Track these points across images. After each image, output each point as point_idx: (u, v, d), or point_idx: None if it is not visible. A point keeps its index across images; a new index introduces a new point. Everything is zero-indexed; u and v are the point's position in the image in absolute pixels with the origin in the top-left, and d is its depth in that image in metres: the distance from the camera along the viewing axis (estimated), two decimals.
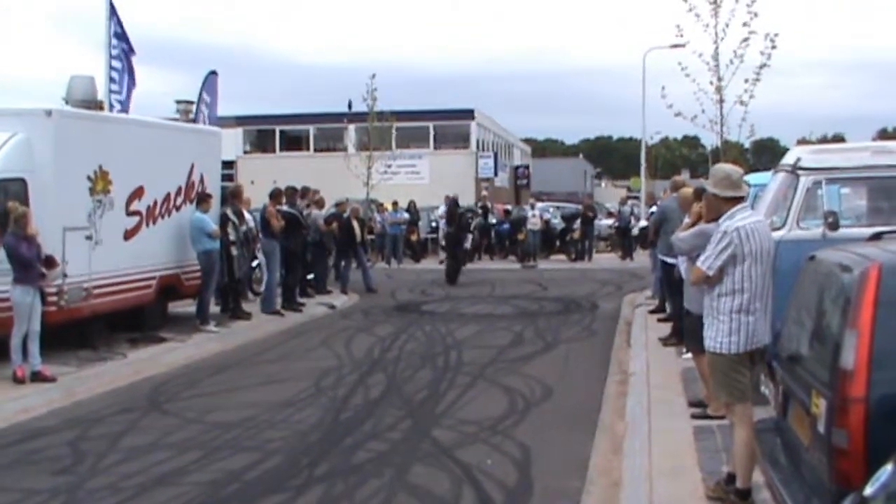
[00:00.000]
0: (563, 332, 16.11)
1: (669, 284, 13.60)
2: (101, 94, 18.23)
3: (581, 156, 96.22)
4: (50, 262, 11.86)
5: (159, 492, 7.44)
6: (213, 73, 23.11)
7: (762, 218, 7.54)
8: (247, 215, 17.31)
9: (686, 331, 10.13)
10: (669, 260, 12.90)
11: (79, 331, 13.53)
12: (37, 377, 11.39)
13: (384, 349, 14.44)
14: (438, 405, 10.58)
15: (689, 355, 11.98)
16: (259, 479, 7.82)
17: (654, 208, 18.95)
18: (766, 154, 71.34)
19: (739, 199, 6.82)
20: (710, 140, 20.92)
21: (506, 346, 14.57)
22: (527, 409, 10.39)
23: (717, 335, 6.61)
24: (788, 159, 10.81)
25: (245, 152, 51.29)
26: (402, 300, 21.08)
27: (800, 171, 10.34)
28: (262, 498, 7.28)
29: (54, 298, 12.53)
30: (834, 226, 9.91)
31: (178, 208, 15.88)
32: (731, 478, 6.69)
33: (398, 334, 15.87)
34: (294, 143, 53.04)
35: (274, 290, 18.11)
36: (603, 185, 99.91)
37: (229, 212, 16.57)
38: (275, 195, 18.47)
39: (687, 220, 10.54)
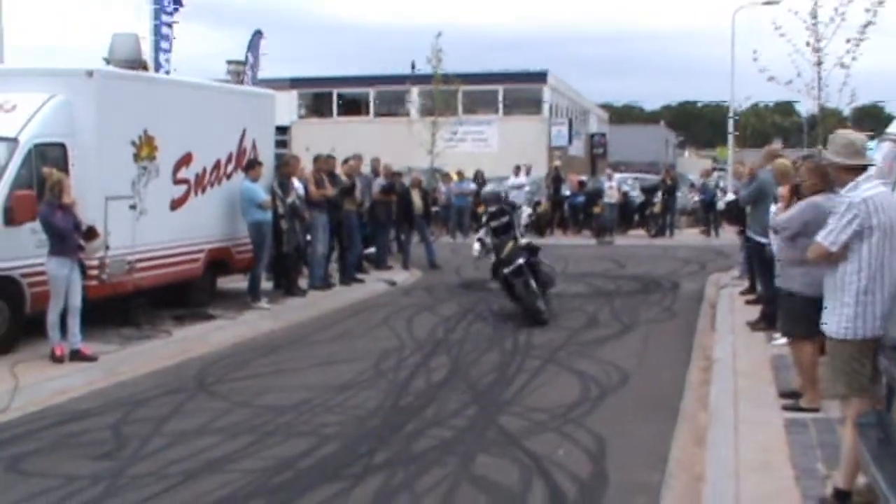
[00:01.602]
0: (642, 313, 15.99)
1: (761, 264, 13.40)
2: (147, 54, 18.43)
3: (662, 123, 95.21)
4: (90, 233, 11.97)
5: (206, 479, 7.49)
6: (259, 32, 23.22)
7: (888, 189, 7.32)
8: (297, 185, 17.31)
9: (784, 313, 9.94)
10: (762, 240, 12.72)
11: (122, 307, 13.68)
12: (77, 356, 11.54)
13: (448, 329, 14.43)
14: (506, 391, 10.54)
15: (781, 341, 11.83)
16: (314, 466, 7.85)
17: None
18: (869, 122, 69.99)
19: (863, 169, 6.66)
20: (805, 107, 20.67)
21: (579, 328, 14.49)
22: (601, 396, 10.32)
23: (842, 320, 6.43)
24: (894, 128, 10.56)
25: (300, 117, 51.52)
26: (468, 277, 21.01)
27: None
28: (316, 487, 7.30)
29: (95, 272, 12.67)
30: None
31: (228, 177, 15.98)
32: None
33: (463, 314, 15.85)
34: (352, 107, 53.17)
35: (319, 264, 18.15)
36: (686, 154, 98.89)
37: (275, 184, 16.61)
38: (317, 161, 18.50)
39: (781, 191, 10.36)
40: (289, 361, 12.25)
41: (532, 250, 15.73)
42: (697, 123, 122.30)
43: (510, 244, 15.31)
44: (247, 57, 22.76)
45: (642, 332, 14.27)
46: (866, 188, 6.50)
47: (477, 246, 16.08)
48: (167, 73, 21.62)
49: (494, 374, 11.36)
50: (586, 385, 10.76)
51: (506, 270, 15.02)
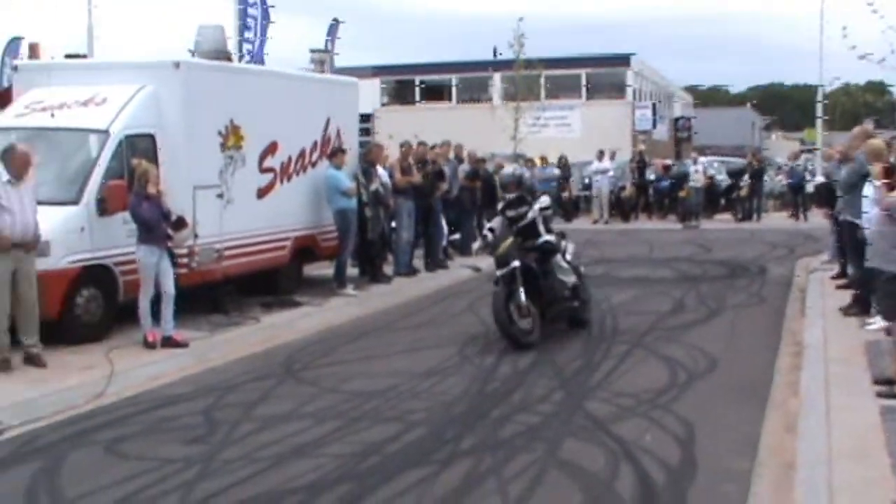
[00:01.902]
0: (729, 298, 15.82)
1: (854, 247, 13.17)
2: (231, 45, 18.66)
3: (749, 105, 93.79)
4: (179, 223, 12.18)
5: (296, 463, 7.60)
6: (336, 21, 23.37)
7: None
8: (381, 172, 17.41)
9: (882, 296, 9.79)
10: (857, 221, 12.52)
11: (211, 295, 13.91)
12: (168, 342, 11.77)
13: None
14: (592, 376, 10.52)
15: (875, 326, 11.65)
16: (401, 451, 7.91)
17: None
18: None
19: None
20: None
21: (665, 313, 14.39)
22: (689, 381, 10.25)
23: None
24: None
25: (383, 104, 51.73)
26: None
27: None
28: (404, 472, 7.36)
29: (185, 260, 12.90)
30: None
31: (313, 165, 16.15)
32: None
33: None
34: (435, 93, 53.24)
35: (404, 251, 18.24)
36: (773, 137, 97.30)
37: (359, 171, 16.73)
38: (402, 148, 18.60)
39: (874, 171, 10.16)
40: (375, 348, 12.35)
41: (546, 251, 12.80)
42: (785, 105, 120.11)
43: (507, 241, 12.37)
44: (326, 45, 22.92)
45: (730, 318, 14.12)
46: None
47: (479, 240, 13.41)
48: (260, 61, 21.86)
49: (580, 359, 11.34)
50: (674, 370, 10.69)
51: (498, 272, 12.27)
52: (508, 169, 13.35)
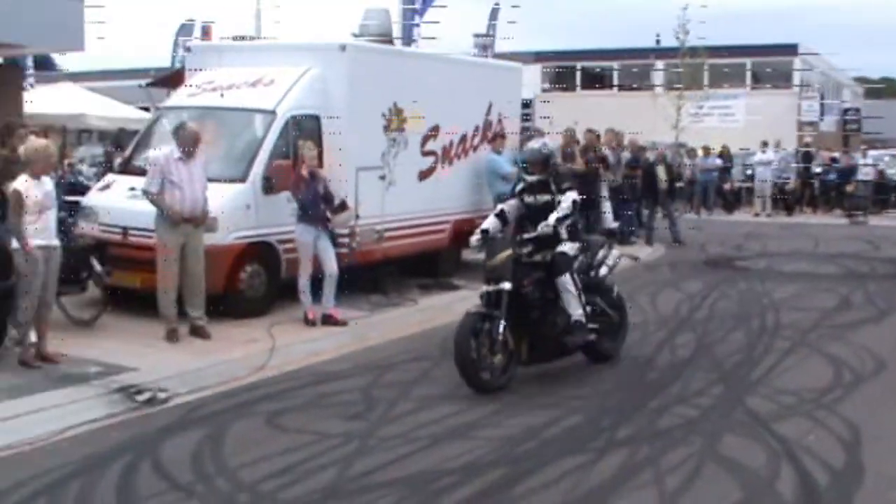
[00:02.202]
0: None
1: None
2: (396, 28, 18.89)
3: None
4: (341, 206, 12.38)
5: (452, 444, 7.66)
6: (497, 5, 23.39)
7: None
8: None
9: None
10: None
11: (371, 275, 14.10)
12: (328, 320, 12.00)
13: (693, 307, 14.17)
14: (753, 371, 10.28)
15: None
16: (556, 437, 7.89)
17: None
18: None
19: None
20: None
21: (830, 310, 13.94)
22: (855, 382, 9.91)
23: None
24: None
25: (543, 90, 51.57)
26: (713, 254, 20.65)
27: None
28: (559, 458, 7.33)
29: (346, 241, 13.10)
30: None
31: (474, 149, 16.21)
32: None
33: (708, 291, 15.53)
34: (596, 80, 52.89)
35: None
36: None
37: (519, 157, 16.70)
38: (565, 135, 18.53)
39: None
40: None
41: (557, 265, 9.82)
42: None
43: (506, 252, 9.75)
44: (488, 30, 22.95)
45: None
46: None
47: (477, 235, 10.48)
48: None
49: (741, 353, 11.09)
50: (839, 370, 10.35)
51: (486, 288, 9.70)
52: (536, 143, 10.61)
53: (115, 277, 11.60)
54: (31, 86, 22.61)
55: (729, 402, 9.09)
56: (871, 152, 33.69)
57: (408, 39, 21.88)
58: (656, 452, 7.53)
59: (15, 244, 9.48)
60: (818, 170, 32.69)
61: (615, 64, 51.57)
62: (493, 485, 6.77)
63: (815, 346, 11.57)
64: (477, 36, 23.05)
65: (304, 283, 11.97)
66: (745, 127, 42.83)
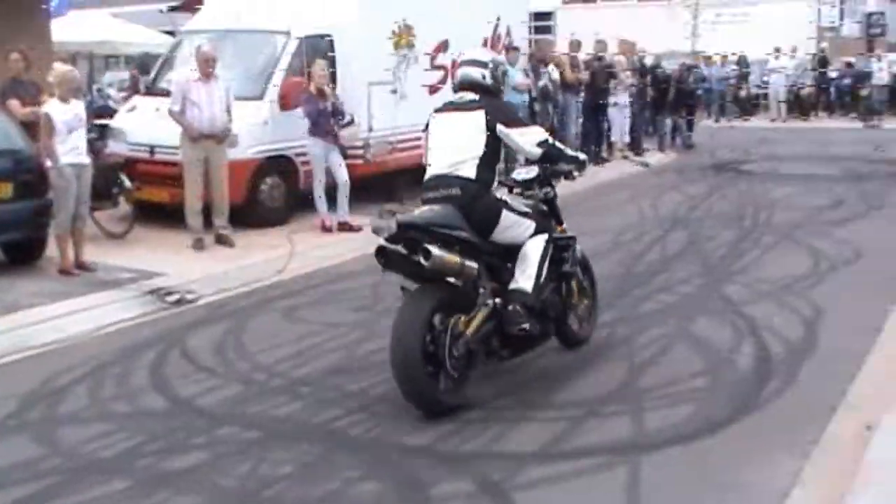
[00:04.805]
0: (892, 196, 15.82)
1: None
2: None
3: None
4: (349, 122, 13.08)
5: None
6: None
7: None
8: (552, 70, 17.96)
9: None
10: None
11: (385, 185, 14.85)
12: (344, 227, 12.79)
13: (691, 207, 14.88)
14: (736, 263, 11.02)
15: None
16: None
17: None
18: None
19: None
20: None
21: (822, 208, 14.59)
22: (829, 271, 10.62)
23: None
24: None
25: (564, 2, 51.51)
26: (721, 159, 21.22)
27: None
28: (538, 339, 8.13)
29: (360, 152, 13.87)
30: None
31: None
32: None
33: (710, 193, 16.21)
34: None
35: (571, 144, 18.69)
36: None
37: (528, 68, 17.31)
38: (571, 45, 19.11)
39: None
40: None
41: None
42: None
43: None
44: None
45: (888, 215, 14.21)
46: None
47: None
48: None
49: (727, 247, 11.82)
50: (817, 261, 11.05)
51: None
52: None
53: (144, 193, 12.46)
54: (61, 13, 23.24)
55: (707, 289, 9.86)
56: (890, 55, 33.77)
57: None
58: (632, 332, 8.34)
59: (49, 163, 10.30)
60: (833, 75, 32.94)
61: None
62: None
63: (800, 240, 12.25)
64: None
65: (318, 192, 12.73)
66: (765, 34, 42.79)
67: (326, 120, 12.61)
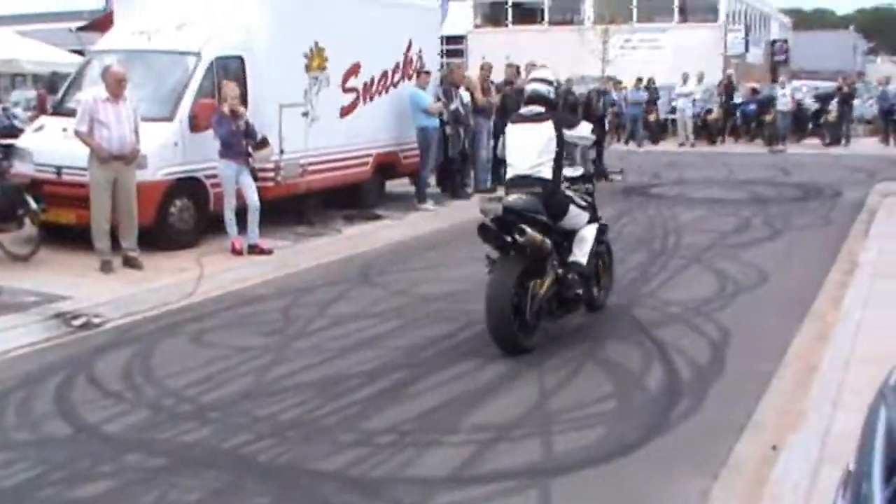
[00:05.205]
0: (796, 219, 16.18)
1: None
2: None
3: (851, 28, 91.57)
4: (262, 143, 13.02)
5: (359, 353, 8.47)
6: None
7: None
8: (464, 94, 18.06)
9: None
10: None
11: (296, 207, 14.80)
12: (253, 250, 12.67)
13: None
14: (645, 286, 11.16)
15: None
16: (454, 346, 8.72)
17: None
18: None
19: None
20: None
21: (729, 232, 14.87)
22: (736, 293, 10.81)
23: None
24: None
25: (476, 26, 51.98)
26: (631, 182, 21.42)
27: None
28: (454, 363, 8.15)
29: (271, 174, 13.79)
30: None
31: (395, 85, 16.87)
32: None
33: (619, 217, 16.36)
34: (528, 15, 53.25)
35: (483, 168, 18.91)
36: (878, 61, 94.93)
37: (439, 91, 17.39)
38: (482, 69, 19.25)
39: None
40: (447, 257, 13.12)
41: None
42: (892, 28, 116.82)
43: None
44: None
45: (792, 238, 14.52)
46: None
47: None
48: None
49: (638, 270, 11.97)
50: (724, 283, 11.26)
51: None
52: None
53: (50, 214, 12.20)
54: None
55: (618, 312, 9.95)
56: (796, 82, 34.63)
57: None
58: (542, 356, 8.37)
59: None
60: (739, 101, 33.68)
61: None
62: (392, 385, 7.58)
63: (708, 263, 12.48)
64: None
65: (228, 215, 12.61)
66: (674, 60, 43.62)
67: (239, 141, 12.52)
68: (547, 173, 8.67)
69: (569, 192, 9.12)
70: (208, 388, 7.57)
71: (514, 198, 8.56)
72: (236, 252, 12.59)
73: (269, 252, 12.71)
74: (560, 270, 8.75)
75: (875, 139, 33.11)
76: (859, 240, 14.25)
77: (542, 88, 9.07)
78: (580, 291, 8.90)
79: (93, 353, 8.57)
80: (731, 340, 8.89)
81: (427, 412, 7.00)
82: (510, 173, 8.94)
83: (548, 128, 8.73)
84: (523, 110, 9.11)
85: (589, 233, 9.19)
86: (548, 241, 8.48)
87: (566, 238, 9.03)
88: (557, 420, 6.85)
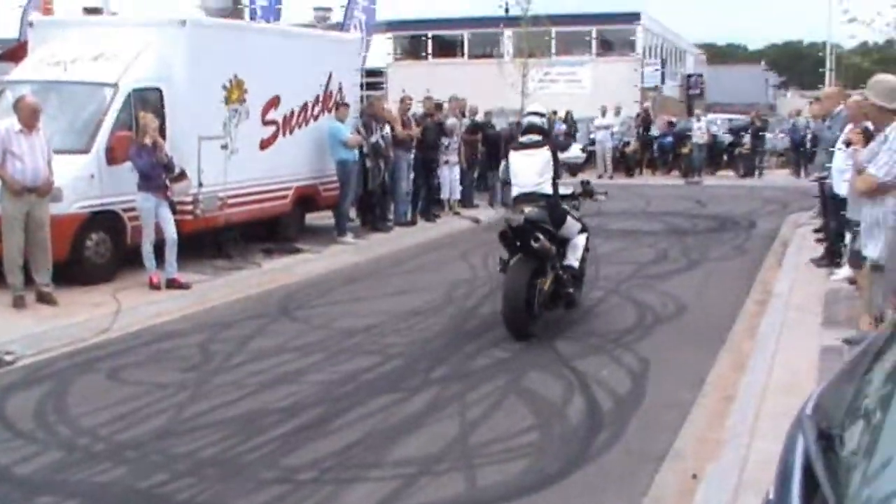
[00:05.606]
0: (711, 250, 16.43)
1: (827, 202, 13.80)
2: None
3: (763, 63, 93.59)
4: (180, 176, 12.88)
5: (279, 389, 8.36)
6: None
7: None
8: (384, 126, 18.06)
9: (851, 246, 10.44)
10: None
11: (215, 240, 14.64)
12: (172, 284, 12.49)
13: None
14: (566, 317, 11.15)
15: (840, 276, 12.29)
16: (375, 380, 8.66)
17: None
18: None
19: None
20: None
21: (647, 263, 15.03)
22: (655, 324, 10.93)
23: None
24: None
25: (395, 59, 52.13)
26: None
27: None
28: (375, 397, 8.09)
29: (189, 207, 13.63)
30: None
31: (315, 118, 16.81)
32: None
33: None
34: (447, 49, 53.54)
35: (403, 201, 18.94)
36: (789, 95, 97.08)
37: (359, 124, 17.37)
38: (402, 102, 19.29)
39: (844, 136, 10.72)
40: (367, 290, 13.08)
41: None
42: (802, 63, 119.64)
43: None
44: (352, 1, 23.05)
45: (708, 268, 14.76)
46: None
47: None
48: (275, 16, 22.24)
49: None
50: (643, 314, 11.37)
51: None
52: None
53: None
54: None
55: (539, 344, 9.96)
56: (711, 116, 35.25)
57: (253, 12, 22.24)
58: (464, 389, 8.35)
59: None
60: (656, 133, 34.20)
61: (465, 32, 52.30)
62: (312, 421, 7.50)
63: (627, 294, 12.59)
64: (316, 9, 23.56)
65: (147, 248, 12.42)
66: (592, 93, 44.14)
67: (158, 174, 12.37)
68: (548, 189, 10.46)
69: (564, 206, 10.85)
70: (125, 426, 7.41)
71: (530, 210, 10.12)
72: (154, 286, 12.39)
73: (188, 286, 12.55)
74: (559, 271, 10.48)
75: (787, 171, 33.83)
76: (773, 270, 14.53)
77: (538, 120, 11.03)
78: (571, 290, 10.69)
79: (3, 392, 8.35)
80: (650, 370, 8.96)
81: (348, 447, 6.93)
82: (516, 191, 10.62)
83: (545, 152, 10.53)
84: (523, 139, 10.87)
85: (580, 241, 11.08)
86: (552, 247, 10.20)
87: (561, 245, 10.72)
88: (480, 453, 6.82)
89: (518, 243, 10.17)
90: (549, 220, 10.25)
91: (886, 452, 2.44)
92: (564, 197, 11.08)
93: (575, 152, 10.70)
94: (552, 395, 8.19)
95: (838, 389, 3.13)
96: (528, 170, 10.49)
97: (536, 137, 10.73)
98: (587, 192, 12.03)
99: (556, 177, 10.63)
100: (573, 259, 10.90)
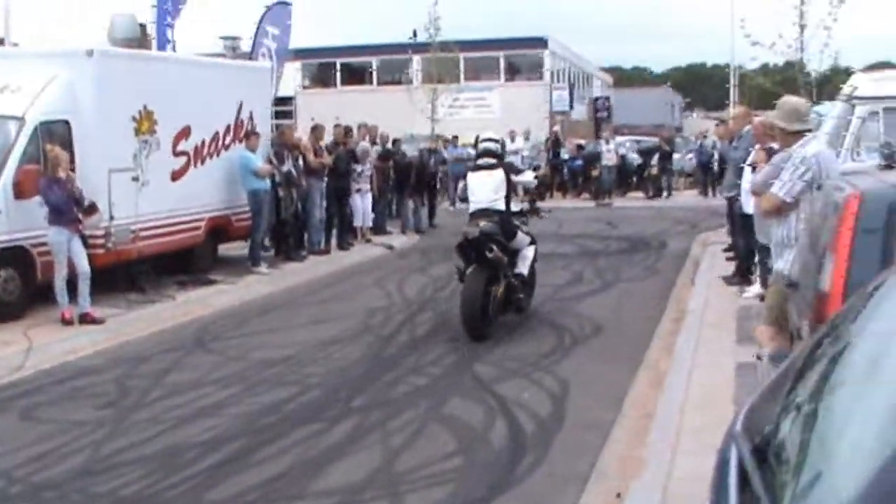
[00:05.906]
0: (625, 271, 16.66)
1: (736, 222, 14.09)
2: (151, 29, 19.17)
3: (668, 85, 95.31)
4: (91, 209, 12.71)
5: (198, 423, 8.28)
6: (283, 2, 23.58)
7: (831, 150, 8.10)
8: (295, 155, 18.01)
9: (761, 266, 10.71)
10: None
11: (127, 273, 14.43)
12: (85, 319, 12.29)
13: (437, 288, 15.15)
14: (484, 342, 11.24)
15: (751, 293, 12.56)
16: (295, 411, 8.62)
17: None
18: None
19: (807, 132, 7.48)
20: (815, 66, 20.51)
21: (563, 285, 15.16)
22: (573, 346, 11.05)
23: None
24: (846, 89, 11.18)
25: (304, 87, 52.04)
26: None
27: (855, 101, 10.73)
28: (296, 428, 8.06)
29: (101, 241, 13.44)
30: (891, 158, 10.28)
31: (226, 148, 16.69)
32: None
33: (454, 274, 16.47)
34: (356, 76, 53.61)
35: (317, 230, 18.88)
36: (694, 116, 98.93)
37: (271, 153, 17.31)
38: (314, 130, 19.27)
39: (752, 157, 11.03)
40: (283, 320, 13.01)
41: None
42: (706, 85, 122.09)
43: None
44: (261, 29, 22.95)
45: (622, 289, 14.96)
46: (814, 146, 7.25)
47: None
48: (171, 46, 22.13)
49: None
50: (561, 337, 11.48)
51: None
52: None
53: None
54: None
55: (458, 370, 10.02)
56: (619, 138, 35.76)
57: (163, 42, 22.03)
58: (385, 417, 8.35)
59: None
60: (566, 156, 34.58)
61: (373, 59, 52.44)
62: (233, 454, 7.44)
63: (544, 317, 12.70)
64: (224, 38, 23.45)
65: (59, 283, 12.22)
66: (501, 118, 44.44)
67: (70, 208, 12.18)
68: (501, 206, 11.74)
69: (515, 221, 12.13)
70: (41, 466, 7.27)
71: (484, 223, 11.41)
72: (67, 322, 12.18)
73: (101, 321, 12.36)
74: (511, 279, 11.70)
75: (695, 191, 34.42)
76: (686, 288, 14.77)
77: (492, 146, 12.36)
78: (521, 296, 11.99)
79: None
80: (570, 392, 9.05)
81: (271, 480, 6.88)
82: (472, 207, 11.92)
83: (500, 173, 11.85)
84: (480, 161, 12.23)
85: (530, 252, 12.35)
86: (504, 257, 11.46)
87: (512, 255, 11.90)
88: (404, 481, 6.83)
89: (474, 254, 11.44)
90: (501, 233, 11.58)
91: (813, 469, 2.51)
92: (515, 213, 12.33)
93: (528, 177, 13.74)
94: (474, 420, 8.23)
95: (765, 406, 3.21)
96: (484, 188, 11.81)
97: (491, 160, 12.06)
98: (534, 209, 13.27)
99: (509, 194, 11.92)
100: (523, 268, 12.13)
